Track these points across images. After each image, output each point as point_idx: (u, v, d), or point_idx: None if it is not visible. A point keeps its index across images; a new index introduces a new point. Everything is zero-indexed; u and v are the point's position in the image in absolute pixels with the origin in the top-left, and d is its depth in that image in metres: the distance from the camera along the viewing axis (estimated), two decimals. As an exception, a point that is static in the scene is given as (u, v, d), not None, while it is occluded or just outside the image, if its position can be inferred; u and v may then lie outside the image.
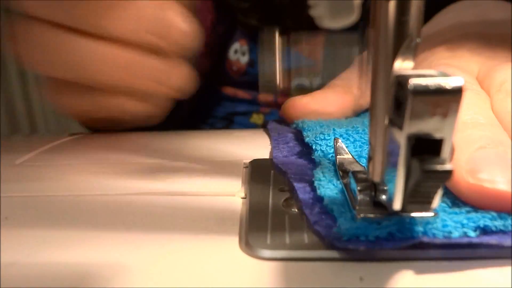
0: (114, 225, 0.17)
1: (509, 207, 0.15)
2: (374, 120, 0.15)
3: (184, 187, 0.21)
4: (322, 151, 0.22)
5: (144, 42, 0.26)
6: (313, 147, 0.22)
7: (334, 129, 0.23)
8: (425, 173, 0.12)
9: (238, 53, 0.51)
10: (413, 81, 0.12)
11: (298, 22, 0.48)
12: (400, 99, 0.12)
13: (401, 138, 0.12)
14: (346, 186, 0.17)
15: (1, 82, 1.29)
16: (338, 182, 0.18)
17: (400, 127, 0.12)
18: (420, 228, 0.15)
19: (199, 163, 0.24)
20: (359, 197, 0.16)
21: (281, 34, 0.50)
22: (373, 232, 0.14)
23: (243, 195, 0.20)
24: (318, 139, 0.23)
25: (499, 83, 0.21)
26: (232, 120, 0.46)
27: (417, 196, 0.13)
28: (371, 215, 0.15)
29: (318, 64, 0.50)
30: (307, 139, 0.24)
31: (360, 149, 0.22)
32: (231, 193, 0.20)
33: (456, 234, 0.14)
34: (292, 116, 0.28)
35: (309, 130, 0.25)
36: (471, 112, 0.19)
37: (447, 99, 0.12)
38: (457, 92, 0.12)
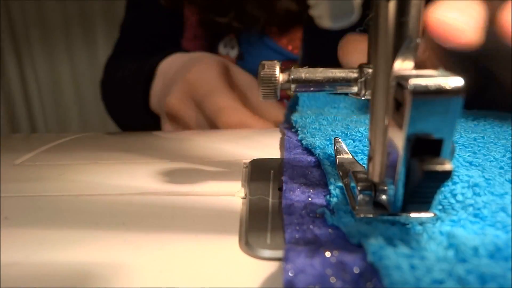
0: (114, 225, 0.17)
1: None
2: (374, 120, 0.15)
3: (184, 187, 0.21)
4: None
5: None
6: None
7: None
8: (425, 173, 0.12)
9: (227, 47, 0.52)
10: (413, 82, 0.12)
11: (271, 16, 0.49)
12: (400, 99, 0.12)
13: (401, 138, 0.12)
14: (346, 186, 0.17)
15: (1, 82, 1.29)
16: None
17: (400, 127, 0.12)
18: None
19: (199, 163, 0.24)
20: (359, 197, 0.16)
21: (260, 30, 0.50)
22: None
23: (243, 195, 0.20)
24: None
25: None
26: None
27: (417, 196, 0.13)
28: (371, 215, 0.15)
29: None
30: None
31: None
32: (231, 193, 0.20)
33: None
34: (348, 53, 0.27)
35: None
36: None
37: (446, 99, 0.12)
38: (457, 92, 0.12)
